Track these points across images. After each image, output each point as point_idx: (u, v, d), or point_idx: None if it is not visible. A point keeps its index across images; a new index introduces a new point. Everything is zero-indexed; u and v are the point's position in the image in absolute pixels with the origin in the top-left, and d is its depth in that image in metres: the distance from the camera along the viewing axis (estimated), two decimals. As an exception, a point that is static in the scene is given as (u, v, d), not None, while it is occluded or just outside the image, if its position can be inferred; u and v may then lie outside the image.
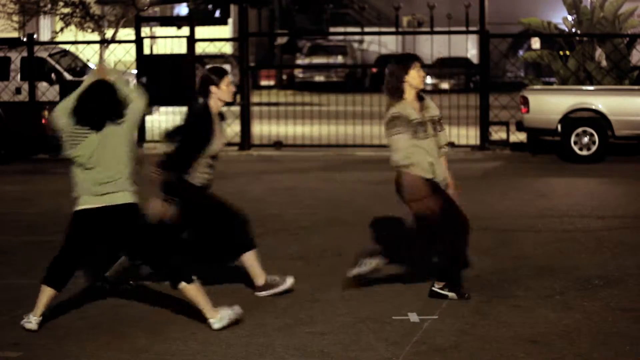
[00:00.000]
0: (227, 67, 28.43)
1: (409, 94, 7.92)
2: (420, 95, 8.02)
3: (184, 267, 7.29)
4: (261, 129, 20.61)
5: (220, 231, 8.13)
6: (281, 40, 45.12)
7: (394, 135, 7.82)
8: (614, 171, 16.29)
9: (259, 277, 8.22)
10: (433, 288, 8.02)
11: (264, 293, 8.19)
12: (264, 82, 40.82)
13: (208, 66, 8.23)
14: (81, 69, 22.83)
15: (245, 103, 20.44)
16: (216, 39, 22.81)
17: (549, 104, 17.91)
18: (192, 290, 7.20)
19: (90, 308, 7.86)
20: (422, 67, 8.16)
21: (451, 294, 7.97)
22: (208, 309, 7.23)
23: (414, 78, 7.92)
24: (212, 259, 8.36)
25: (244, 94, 20.62)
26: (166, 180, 7.99)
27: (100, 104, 7.16)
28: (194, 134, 8.04)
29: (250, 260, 8.21)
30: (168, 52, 20.66)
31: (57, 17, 23.55)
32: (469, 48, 39.78)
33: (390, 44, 44.22)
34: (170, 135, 8.19)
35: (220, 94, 8.16)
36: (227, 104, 8.32)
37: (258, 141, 20.42)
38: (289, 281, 8.26)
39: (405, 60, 7.99)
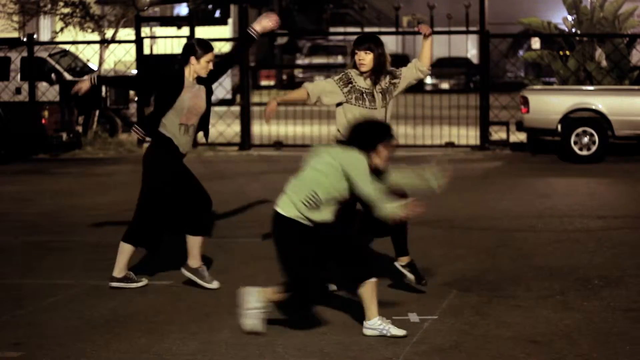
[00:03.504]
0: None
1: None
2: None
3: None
4: (261, 129, 20.61)
5: (186, 205, 8.32)
6: (281, 40, 45.11)
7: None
8: (614, 171, 16.29)
9: (195, 261, 8.39)
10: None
11: (187, 274, 8.40)
12: (264, 82, 40.83)
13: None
14: (81, 69, 22.82)
15: (245, 103, 20.44)
16: (216, 39, 22.81)
17: (549, 104, 17.92)
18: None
19: (90, 308, 7.86)
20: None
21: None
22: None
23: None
24: (171, 230, 8.49)
25: (244, 94, 20.62)
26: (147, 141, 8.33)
27: None
28: (157, 87, 8.23)
29: (196, 243, 8.37)
30: (168, 52, 20.65)
31: (57, 17, 23.51)
32: (469, 48, 39.80)
33: (390, 44, 44.13)
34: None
35: (197, 68, 8.25)
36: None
37: (258, 141, 20.42)
38: (215, 284, 8.40)
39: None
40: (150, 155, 8.33)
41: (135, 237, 8.41)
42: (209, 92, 8.42)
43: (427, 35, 8.24)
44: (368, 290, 6.98)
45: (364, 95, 8.07)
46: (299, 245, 6.94)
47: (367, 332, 7.01)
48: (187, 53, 8.25)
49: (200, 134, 8.52)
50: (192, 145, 8.42)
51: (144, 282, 8.52)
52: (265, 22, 8.66)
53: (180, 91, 8.18)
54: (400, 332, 6.96)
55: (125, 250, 8.44)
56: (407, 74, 8.27)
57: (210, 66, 8.28)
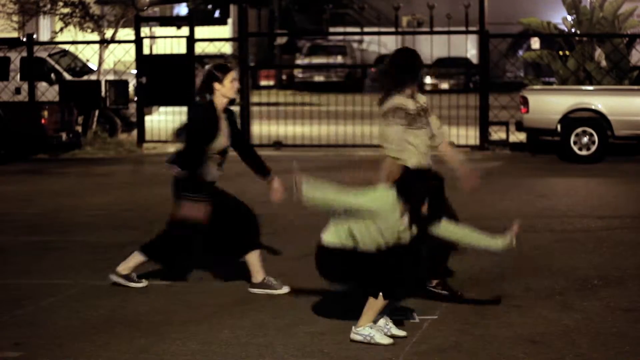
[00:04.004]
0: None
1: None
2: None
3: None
4: (261, 129, 20.60)
5: (230, 227, 8.19)
6: (281, 40, 45.12)
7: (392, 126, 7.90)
8: (614, 171, 16.29)
9: (258, 274, 8.26)
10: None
11: (257, 290, 8.25)
12: (263, 82, 40.83)
13: (210, 64, 8.27)
14: (81, 69, 22.82)
15: (244, 103, 20.44)
16: (216, 39, 22.82)
17: (549, 104, 17.92)
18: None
19: (90, 308, 7.86)
20: (423, 67, 8.23)
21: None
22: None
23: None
24: (220, 254, 8.43)
25: (244, 94, 20.62)
26: (181, 178, 8.03)
27: None
28: (198, 130, 8.05)
29: (253, 258, 8.27)
30: (168, 52, 20.65)
31: (57, 17, 23.50)
32: (468, 48, 39.78)
33: (389, 44, 44.18)
34: (179, 133, 8.25)
35: (224, 91, 8.18)
36: (230, 101, 8.33)
37: (258, 141, 20.42)
38: (285, 289, 8.29)
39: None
40: (181, 190, 8.13)
41: (153, 252, 8.38)
42: (233, 123, 8.39)
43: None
44: (377, 304, 6.88)
45: (416, 116, 7.99)
46: None
47: (353, 336, 6.93)
48: (209, 82, 8.16)
49: None
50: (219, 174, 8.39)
51: (144, 283, 8.51)
52: (275, 194, 8.45)
53: (218, 130, 8.12)
54: (387, 340, 6.87)
55: (138, 258, 8.41)
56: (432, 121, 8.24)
57: (237, 84, 8.26)
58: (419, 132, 8.02)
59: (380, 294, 6.80)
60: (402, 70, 8.00)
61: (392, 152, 7.89)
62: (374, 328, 6.91)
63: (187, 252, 8.44)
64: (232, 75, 8.23)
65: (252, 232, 8.31)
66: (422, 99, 8.14)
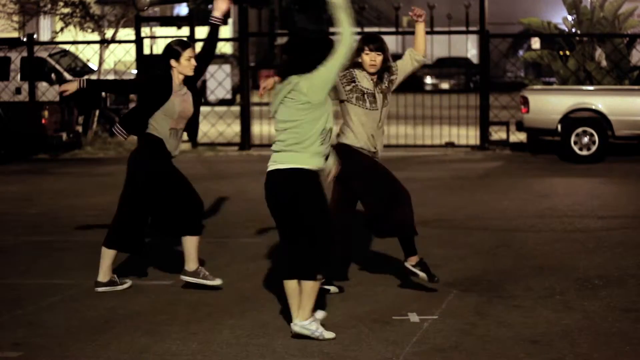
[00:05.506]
0: (227, 67, 28.42)
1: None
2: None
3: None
4: (261, 129, 20.60)
5: (175, 206, 8.25)
6: (281, 40, 45.11)
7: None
8: (614, 171, 16.29)
9: (192, 263, 8.31)
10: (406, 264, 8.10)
11: (188, 278, 8.31)
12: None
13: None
14: (81, 69, 22.82)
15: (245, 103, 20.44)
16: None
17: (549, 104, 17.92)
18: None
19: (90, 308, 7.86)
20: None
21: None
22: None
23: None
24: (162, 232, 8.45)
25: (244, 94, 20.61)
26: (138, 150, 8.26)
27: None
28: (145, 90, 8.18)
29: (190, 244, 8.31)
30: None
31: (57, 17, 23.51)
32: (469, 48, 39.81)
33: (390, 44, 44.17)
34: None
35: (180, 68, 8.17)
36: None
37: (258, 141, 20.42)
38: (217, 281, 8.32)
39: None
40: (138, 156, 8.26)
41: (116, 241, 8.37)
42: (196, 95, 8.38)
43: (421, 18, 8.19)
44: (313, 288, 6.92)
45: (365, 95, 8.02)
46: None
47: (295, 328, 6.94)
48: (166, 57, 8.17)
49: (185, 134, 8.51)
50: (179, 147, 8.40)
51: (128, 283, 8.48)
52: (220, 5, 8.60)
53: (169, 96, 8.14)
54: (330, 334, 6.91)
55: (107, 255, 8.40)
56: (403, 67, 8.22)
57: (193, 62, 8.22)
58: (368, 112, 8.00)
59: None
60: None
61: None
62: (316, 322, 6.92)
63: (160, 230, 8.44)
64: (190, 52, 8.20)
65: (195, 216, 8.29)
66: (383, 85, 8.10)
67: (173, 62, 8.15)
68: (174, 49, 8.16)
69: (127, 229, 8.32)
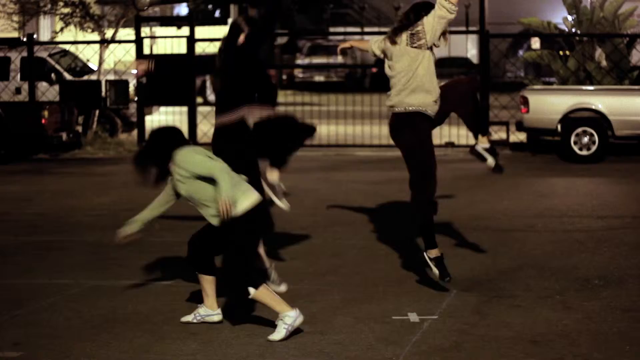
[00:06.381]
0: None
1: None
2: None
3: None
4: (261, 129, 20.55)
5: None
6: (281, 40, 45.13)
7: None
8: (614, 171, 16.29)
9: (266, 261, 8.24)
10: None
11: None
12: (263, 82, 40.75)
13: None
14: (81, 68, 22.81)
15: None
16: (216, 39, 22.78)
17: (549, 104, 17.91)
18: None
19: (90, 308, 7.86)
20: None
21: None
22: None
23: None
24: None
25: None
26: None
27: None
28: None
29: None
30: (168, 52, 20.65)
31: (57, 17, 23.50)
32: (469, 48, 39.78)
33: (390, 44, 44.22)
34: None
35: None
36: None
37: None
38: (282, 287, 8.24)
39: None
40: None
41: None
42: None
43: None
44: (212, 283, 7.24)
45: None
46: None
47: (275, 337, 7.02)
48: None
49: None
50: None
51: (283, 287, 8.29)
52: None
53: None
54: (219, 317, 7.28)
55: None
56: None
57: None
58: None
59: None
60: None
61: None
62: (287, 318, 7.00)
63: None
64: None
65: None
66: None
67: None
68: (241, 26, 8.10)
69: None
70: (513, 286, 8.41)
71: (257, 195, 7.14)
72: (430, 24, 8.02)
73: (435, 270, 8.08)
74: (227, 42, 8.10)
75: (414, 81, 8.07)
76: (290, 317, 6.95)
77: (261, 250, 8.23)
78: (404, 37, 8.11)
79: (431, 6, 8.05)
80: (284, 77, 42.50)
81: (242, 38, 8.07)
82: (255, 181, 7.82)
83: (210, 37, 22.13)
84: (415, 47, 8.08)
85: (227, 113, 7.94)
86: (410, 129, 8.10)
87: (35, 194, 14.39)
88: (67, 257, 9.88)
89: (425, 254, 8.15)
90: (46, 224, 11.82)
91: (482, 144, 8.13)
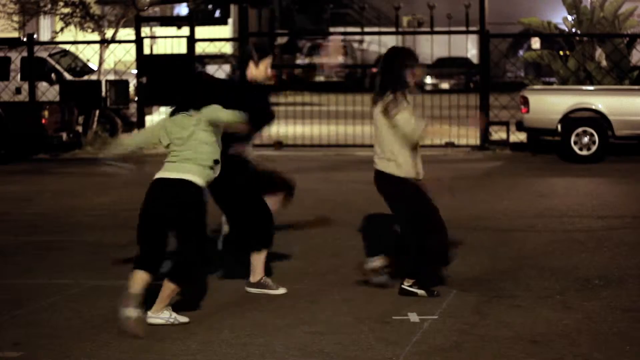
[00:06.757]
0: (227, 67, 28.42)
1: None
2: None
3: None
4: (261, 129, 20.55)
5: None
6: (281, 40, 45.12)
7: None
8: (614, 171, 16.29)
9: (258, 274, 8.24)
10: (403, 286, 8.03)
11: (254, 290, 8.22)
12: (263, 82, 40.77)
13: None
14: (81, 69, 22.81)
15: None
16: (216, 39, 22.82)
17: (549, 104, 17.91)
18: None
19: (90, 308, 7.86)
20: (423, 67, 8.22)
21: (421, 292, 7.99)
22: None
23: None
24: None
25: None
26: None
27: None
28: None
29: (258, 256, 8.25)
30: (168, 52, 20.65)
31: (57, 17, 23.52)
32: (469, 48, 39.75)
33: (390, 44, 44.13)
34: None
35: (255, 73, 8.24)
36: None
37: (258, 141, 20.35)
38: (281, 290, 8.26)
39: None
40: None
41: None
42: None
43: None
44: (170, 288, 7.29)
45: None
46: None
47: (151, 320, 7.27)
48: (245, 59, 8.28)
49: None
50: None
51: (282, 290, 8.31)
52: None
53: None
54: (184, 319, 7.33)
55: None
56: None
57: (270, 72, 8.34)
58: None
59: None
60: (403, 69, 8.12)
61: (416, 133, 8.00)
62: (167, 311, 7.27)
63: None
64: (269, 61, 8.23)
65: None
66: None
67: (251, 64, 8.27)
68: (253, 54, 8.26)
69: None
70: (513, 286, 8.41)
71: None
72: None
73: (422, 292, 8.05)
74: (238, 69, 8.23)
75: None
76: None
77: (259, 262, 8.22)
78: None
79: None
80: (284, 77, 42.49)
81: (252, 67, 8.18)
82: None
83: (211, 37, 22.16)
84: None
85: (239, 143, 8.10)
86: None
87: (35, 194, 14.39)
88: (67, 257, 9.88)
89: (404, 284, 8.09)
90: (46, 224, 11.82)
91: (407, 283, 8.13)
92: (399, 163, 7.95)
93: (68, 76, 21.78)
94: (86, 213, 12.45)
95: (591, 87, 18.75)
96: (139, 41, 20.11)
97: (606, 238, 10.44)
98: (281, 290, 8.24)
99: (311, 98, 31.06)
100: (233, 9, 44.72)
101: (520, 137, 19.41)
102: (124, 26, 23.40)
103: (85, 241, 10.62)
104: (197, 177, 7.25)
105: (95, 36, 22.99)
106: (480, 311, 7.64)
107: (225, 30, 43.64)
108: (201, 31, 27.43)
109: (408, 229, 8.04)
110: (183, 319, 7.34)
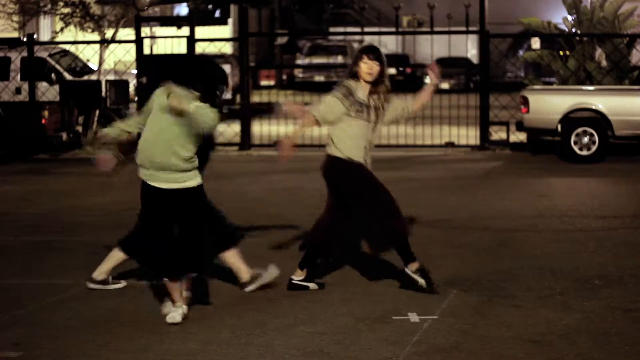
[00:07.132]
0: (227, 67, 28.42)
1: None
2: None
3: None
4: (261, 129, 20.60)
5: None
6: (281, 40, 45.13)
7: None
8: (614, 171, 16.29)
9: (244, 273, 8.23)
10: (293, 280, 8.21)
11: (251, 287, 8.23)
12: (264, 82, 40.79)
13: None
14: (81, 69, 22.82)
15: (245, 103, 20.44)
16: (216, 39, 22.81)
17: (549, 104, 17.91)
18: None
19: (90, 308, 7.86)
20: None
21: (312, 285, 8.17)
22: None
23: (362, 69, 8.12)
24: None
25: (244, 93, 20.62)
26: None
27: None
28: None
29: (233, 256, 8.24)
30: (168, 52, 20.65)
31: (57, 17, 23.55)
32: (469, 48, 39.77)
33: (390, 44, 44.17)
34: None
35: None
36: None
37: (258, 141, 20.41)
38: (274, 271, 8.29)
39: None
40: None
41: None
42: None
43: (435, 82, 8.29)
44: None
45: (363, 106, 8.07)
46: None
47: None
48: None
49: None
50: None
51: (122, 284, 8.47)
52: None
53: None
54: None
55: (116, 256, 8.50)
56: (395, 106, 8.26)
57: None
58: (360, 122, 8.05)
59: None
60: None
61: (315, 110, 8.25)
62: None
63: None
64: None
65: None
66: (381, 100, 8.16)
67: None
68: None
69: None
70: (513, 286, 8.41)
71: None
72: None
73: (422, 281, 8.06)
74: None
75: None
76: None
77: (235, 260, 8.22)
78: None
79: None
80: (284, 77, 42.50)
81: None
82: None
83: (211, 37, 22.16)
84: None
85: None
86: None
87: (35, 194, 14.39)
88: (67, 257, 9.88)
89: (406, 269, 8.11)
90: (46, 224, 11.82)
91: (411, 268, 8.12)
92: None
93: (68, 76, 21.79)
94: (86, 213, 12.45)
95: (591, 87, 18.75)
96: (139, 41, 20.11)
97: (606, 238, 10.45)
98: (275, 272, 8.26)
99: (311, 98, 31.08)
100: (233, 9, 44.71)
101: (520, 137, 19.41)
102: (124, 26, 23.42)
103: (85, 241, 10.62)
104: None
105: (95, 36, 23.02)
106: (480, 311, 7.64)
107: (225, 30, 43.63)
108: (201, 31, 27.43)
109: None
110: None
